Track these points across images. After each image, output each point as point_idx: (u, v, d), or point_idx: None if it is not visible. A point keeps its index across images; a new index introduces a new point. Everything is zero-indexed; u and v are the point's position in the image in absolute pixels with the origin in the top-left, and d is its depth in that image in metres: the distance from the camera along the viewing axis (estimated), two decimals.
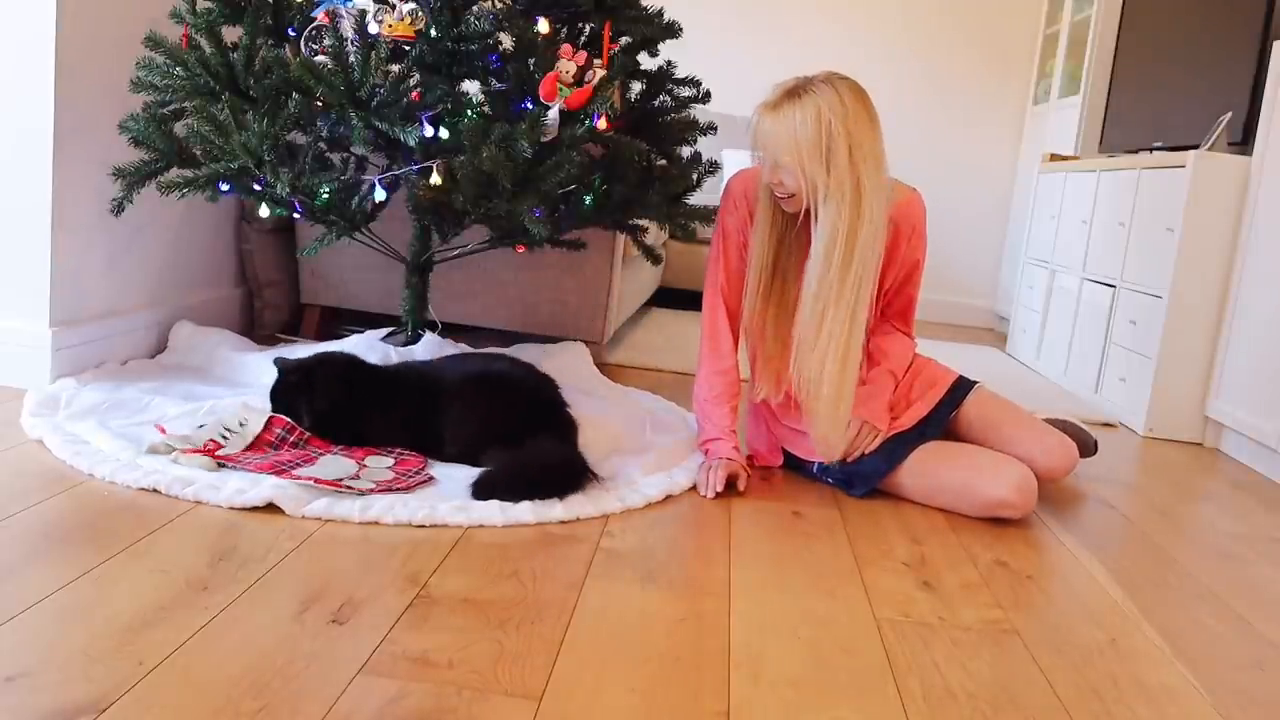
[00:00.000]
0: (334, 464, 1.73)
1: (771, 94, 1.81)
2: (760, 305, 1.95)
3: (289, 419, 1.84)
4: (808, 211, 1.86)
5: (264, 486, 1.59)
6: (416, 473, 1.75)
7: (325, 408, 1.85)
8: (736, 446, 1.99)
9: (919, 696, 1.22)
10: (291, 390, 1.86)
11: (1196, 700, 1.30)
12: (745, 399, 2.19)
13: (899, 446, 1.98)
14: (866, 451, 1.97)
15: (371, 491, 1.63)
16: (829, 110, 1.75)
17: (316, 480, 1.62)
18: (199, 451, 1.69)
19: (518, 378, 1.95)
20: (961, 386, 2.09)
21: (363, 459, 1.78)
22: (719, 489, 1.89)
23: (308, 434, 1.84)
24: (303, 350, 2.15)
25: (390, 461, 1.78)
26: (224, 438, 1.75)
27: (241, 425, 1.79)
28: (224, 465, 1.68)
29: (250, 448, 1.75)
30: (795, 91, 1.78)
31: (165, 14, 1.98)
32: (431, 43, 1.85)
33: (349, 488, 1.62)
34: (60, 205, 2.06)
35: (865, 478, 1.98)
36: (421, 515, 1.58)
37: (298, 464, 1.70)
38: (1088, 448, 2.32)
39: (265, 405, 1.88)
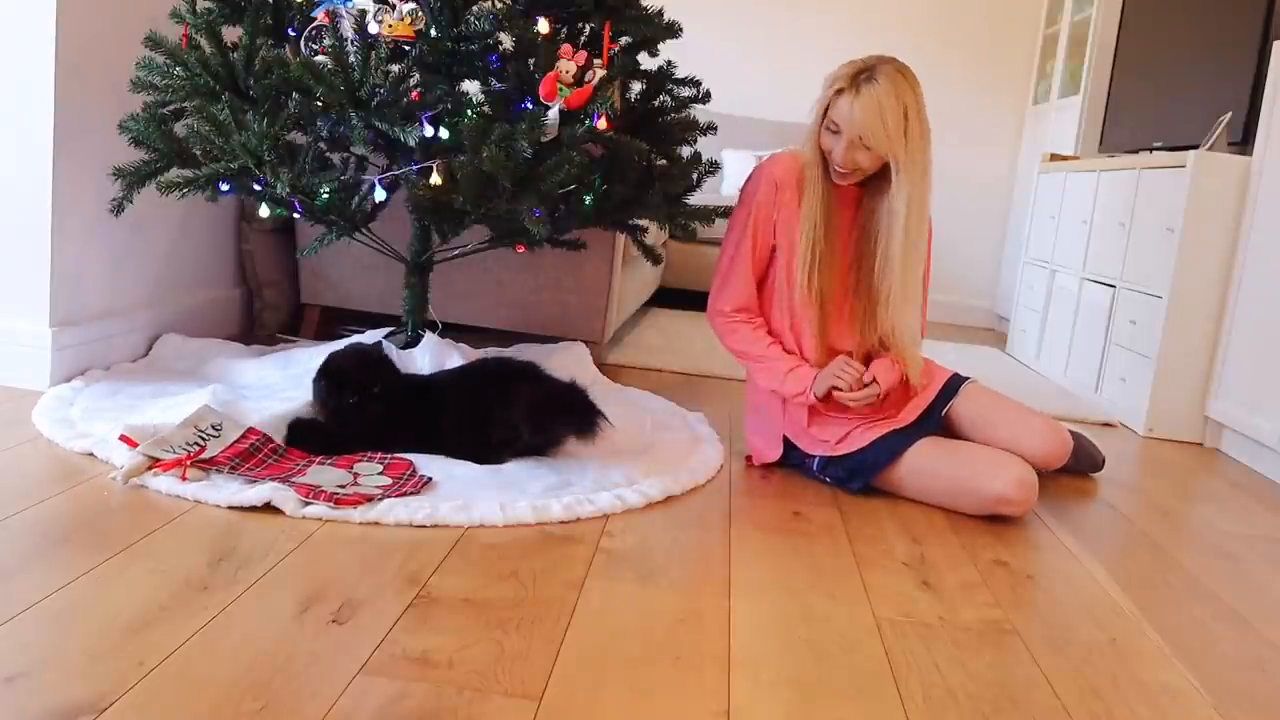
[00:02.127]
0: (325, 474, 1.71)
1: (842, 77, 1.91)
2: (811, 278, 1.99)
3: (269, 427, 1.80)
4: (849, 190, 2.01)
5: (263, 487, 1.59)
6: (412, 474, 1.75)
7: (382, 409, 1.85)
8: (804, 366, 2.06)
9: (919, 697, 1.22)
10: (344, 378, 1.84)
11: (1196, 700, 1.30)
12: (746, 393, 2.19)
13: (897, 441, 1.99)
14: (863, 418, 2.02)
15: (380, 498, 1.62)
16: (903, 91, 1.90)
17: (317, 492, 1.60)
18: (178, 463, 1.63)
19: (506, 361, 2.04)
20: (955, 382, 2.12)
21: (351, 467, 1.75)
22: (864, 375, 1.99)
23: (283, 446, 1.78)
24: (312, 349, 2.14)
25: (380, 468, 1.76)
26: (204, 439, 1.71)
27: (216, 430, 1.74)
28: (215, 471, 1.65)
29: (226, 451, 1.70)
30: (868, 74, 1.89)
31: (165, 14, 1.98)
32: (431, 43, 1.85)
33: (355, 497, 1.61)
34: (60, 205, 2.06)
35: (863, 470, 1.99)
36: (422, 515, 1.58)
37: (289, 475, 1.68)
38: (1096, 464, 2.33)
39: (246, 415, 1.84)
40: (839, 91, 1.91)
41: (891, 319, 1.99)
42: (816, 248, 1.98)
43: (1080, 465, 2.31)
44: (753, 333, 2.07)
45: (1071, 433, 2.30)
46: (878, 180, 1.97)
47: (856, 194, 2.03)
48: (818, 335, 2.03)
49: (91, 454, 1.73)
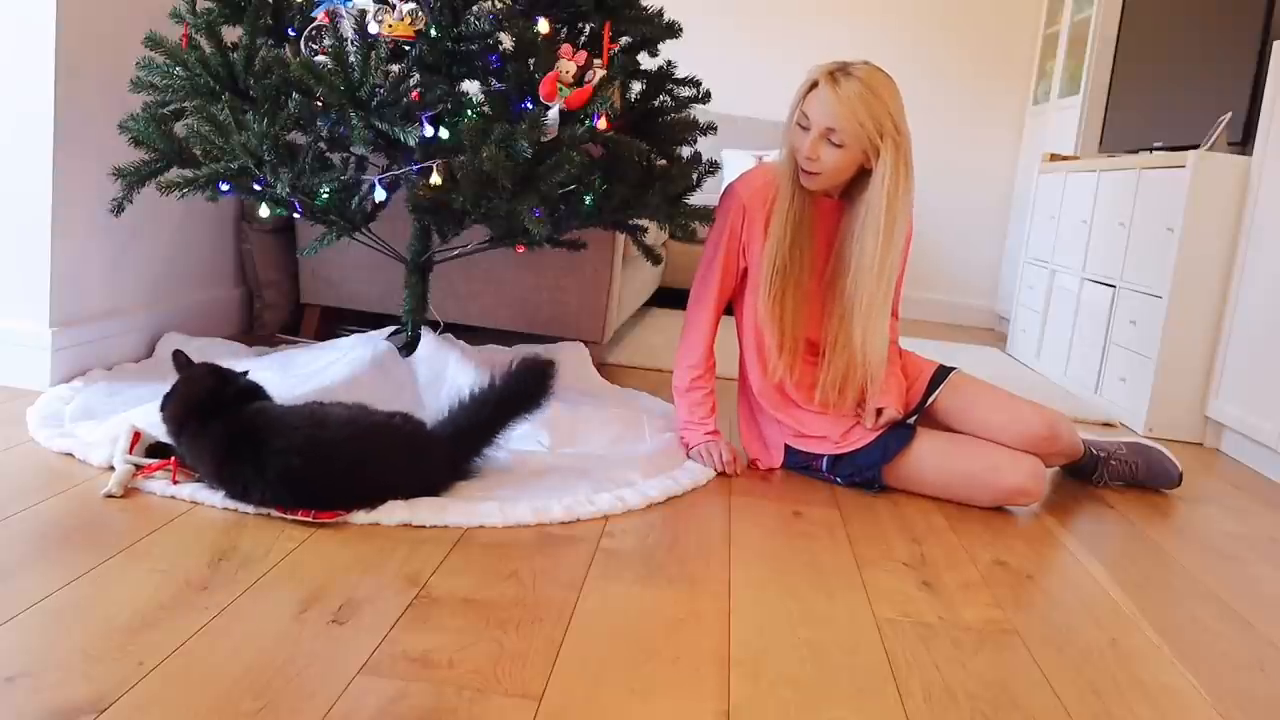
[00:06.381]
0: None
1: (817, 72, 1.91)
2: (777, 293, 1.99)
3: None
4: (820, 199, 1.99)
5: None
6: None
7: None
8: (713, 430, 2.10)
9: (919, 696, 1.22)
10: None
11: (1196, 700, 1.30)
12: (738, 403, 2.19)
13: (892, 438, 2.01)
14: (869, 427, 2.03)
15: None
16: (878, 86, 1.88)
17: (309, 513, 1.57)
18: (161, 466, 1.62)
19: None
20: (941, 373, 2.14)
21: None
22: (732, 466, 2.03)
23: None
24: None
25: None
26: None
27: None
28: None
29: None
30: (843, 70, 1.89)
31: (165, 14, 1.98)
32: (431, 43, 1.85)
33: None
34: (60, 205, 2.06)
35: (870, 466, 2.01)
36: (422, 516, 1.58)
37: None
38: (1171, 479, 2.29)
39: None
40: (813, 86, 1.90)
41: (862, 330, 1.97)
42: (780, 262, 1.97)
43: (1155, 480, 2.28)
44: (704, 398, 2.11)
45: (1145, 447, 2.29)
46: (857, 190, 1.96)
47: (836, 205, 2.02)
48: (782, 347, 2.02)
49: (70, 454, 1.72)
